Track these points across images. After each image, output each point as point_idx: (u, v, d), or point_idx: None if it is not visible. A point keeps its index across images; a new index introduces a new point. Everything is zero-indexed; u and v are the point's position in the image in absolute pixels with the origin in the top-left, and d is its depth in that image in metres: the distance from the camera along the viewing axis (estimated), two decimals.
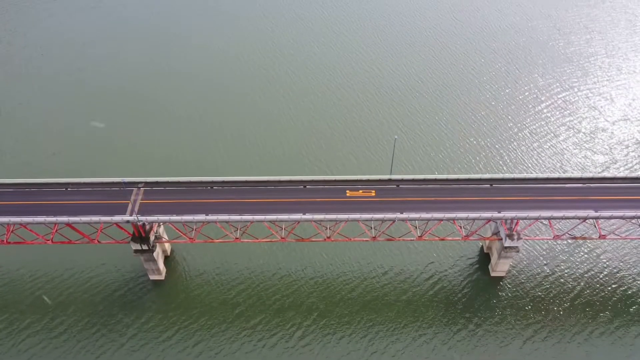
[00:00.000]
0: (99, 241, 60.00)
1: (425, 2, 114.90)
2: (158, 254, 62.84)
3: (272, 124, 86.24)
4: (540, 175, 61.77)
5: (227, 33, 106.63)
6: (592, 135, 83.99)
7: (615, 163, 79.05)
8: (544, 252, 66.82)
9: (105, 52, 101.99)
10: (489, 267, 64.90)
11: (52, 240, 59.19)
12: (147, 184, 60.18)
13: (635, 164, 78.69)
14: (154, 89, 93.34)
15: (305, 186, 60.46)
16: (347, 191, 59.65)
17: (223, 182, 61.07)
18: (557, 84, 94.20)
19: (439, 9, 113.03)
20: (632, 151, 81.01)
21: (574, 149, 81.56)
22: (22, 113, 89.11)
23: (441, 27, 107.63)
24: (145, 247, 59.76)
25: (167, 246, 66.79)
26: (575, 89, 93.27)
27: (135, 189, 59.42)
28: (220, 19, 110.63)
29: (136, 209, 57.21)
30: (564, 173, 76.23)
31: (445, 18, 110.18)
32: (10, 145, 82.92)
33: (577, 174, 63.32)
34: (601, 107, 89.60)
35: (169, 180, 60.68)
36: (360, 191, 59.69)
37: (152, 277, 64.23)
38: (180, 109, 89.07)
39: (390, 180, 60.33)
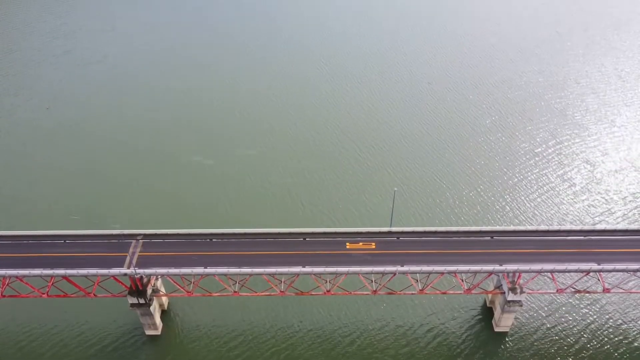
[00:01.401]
0: (95, 295, 58.85)
1: (423, 58, 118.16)
2: (155, 308, 61.55)
3: (272, 175, 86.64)
4: (541, 228, 61.61)
5: (226, 86, 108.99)
6: (588, 186, 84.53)
7: (612, 214, 79.19)
8: (547, 306, 65.75)
9: (107, 103, 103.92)
10: (493, 321, 63.64)
11: (47, 294, 58.07)
12: (145, 235, 59.77)
13: (633, 215, 78.81)
14: (154, 140, 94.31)
15: (304, 238, 60.08)
16: (347, 243, 59.23)
17: (222, 234, 60.69)
18: (552, 137, 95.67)
19: (436, 64, 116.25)
20: (629, 202, 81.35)
21: (572, 201, 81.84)
22: (23, 163, 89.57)
23: (438, 82, 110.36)
24: (142, 301, 58.60)
25: (165, 300, 65.52)
26: (570, 142, 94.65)
27: (134, 242, 58.96)
28: (220, 73, 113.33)
29: (134, 261, 56.55)
30: (564, 225, 76.07)
31: (442, 73, 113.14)
32: (9, 195, 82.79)
33: (577, 226, 63.18)
34: (596, 159, 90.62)
35: (168, 233, 60.31)
36: (361, 243, 59.28)
37: (148, 332, 62.60)
38: (180, 160, 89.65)
39: (390, 232, 60.08)
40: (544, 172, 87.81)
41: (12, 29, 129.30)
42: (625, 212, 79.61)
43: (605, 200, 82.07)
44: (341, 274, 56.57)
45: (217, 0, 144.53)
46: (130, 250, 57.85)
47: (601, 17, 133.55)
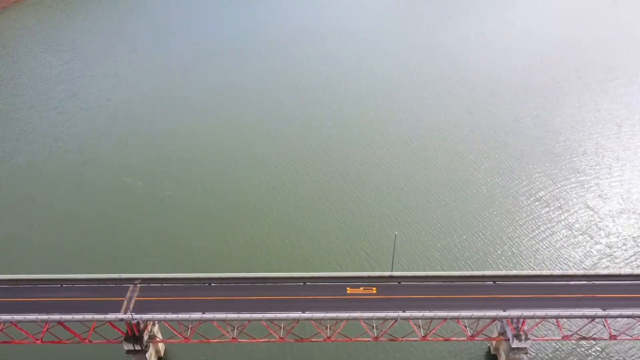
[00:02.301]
0: (90, 341, 57.52)
1: (421, 103, 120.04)
2: (151, 355, 60.06)
3: (271, 218, 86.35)
4: (544, 272, 61.00)
5: (226, 129, 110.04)
6: (588, 230, 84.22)
7: (614, 259, 78.55)
8: (553, 353, 64.22)
9: (109, 147, 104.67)
10: None
11: (41, 340, 56.73)
12: (143, 280, 58.98)
13: (635, 260, 78.18)
14: (155, 183, 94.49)
15: (305, 283, 59.32)
16: (348, 288, 58.47)
17: (221, 278, 59.96)
18: (550, 180, 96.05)
19: (434, 110, 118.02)
20: (630, 246, 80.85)
21: (572, 244, 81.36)
22: (22, 205, 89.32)
23: (437, 127, 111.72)
24: (138, 347, 57.26)
25: (161, 346, 63.97)
26: (569, 185, 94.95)
27: (131, 286, 58.11)
28: (220, 116, 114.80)
29: (131, 306, 55.56)
30: (567, 269, 75.35)
31: (440, 118, 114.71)
32: (7, 237, 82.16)
33: (580, 271, 62.72)
34: (595, 203, 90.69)
35: (166, 277, 59.60)
36: (361, 288, 58.51)
37: None
38: (178, 204, 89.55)
39: (391, 277, 59.41)
40: (543, 215, 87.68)
41: (18, 75, 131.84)
42: (627, 256, 79.03)
43: (606, 244, 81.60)
44: (342, 319, 55.53)
45: (218, 47, 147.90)
46: (128, 294, 56.96)
47: (594, 65, 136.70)
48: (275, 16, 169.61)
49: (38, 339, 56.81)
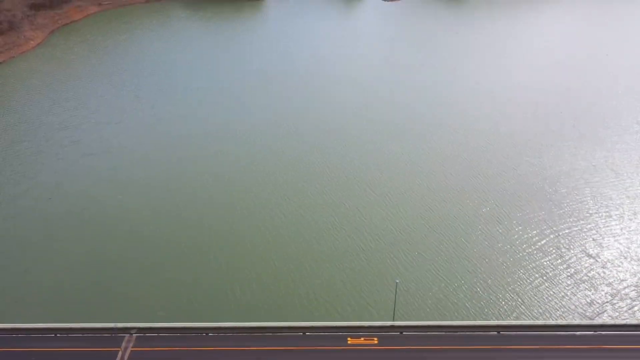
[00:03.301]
0: None
1: (420, 151, 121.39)
2: None
3: (271, 265, 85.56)
4: (549, 322, 60.27)
5: (226, 178, 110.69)
6: (589, 278, 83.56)
7: (616, 308, 77.47)
8: None
9: (109, 194, 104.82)
10: None
11: None
12: (139, 329, 57.99)
13: (637, 310, 77.12)
14: (154, 231, 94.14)
15: (304, 333, 58.38)
16: (349, 338, 57.57)
17: (218, 328, 59.04)
18: (549, 228, 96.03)
19: (432, 157, 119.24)
20: (633, 295, 79.93)
21: (573, 292, 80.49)
22: (18, 252, 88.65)
23: (435, 174, 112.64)
24: None
25: None
26: (568, 233, 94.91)
27: (127, 336, 57.09)
28: (221, 166, 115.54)
29: (126, 357, 54.39)
30: (572, 319, 74.08)
31: (438, 165, 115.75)
32: (0, 283, 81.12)
33: (586, 321, 61.82)
34: (595, 250, 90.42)
35: (163, 326, 58.68)
36: (362, 338, 57.62)
37: None
38: (178, 248, 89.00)
39: (393, 326, 58.60)
40: (544, 263, 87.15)
41: (23, 121, 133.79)
42: (631, 305, 78.02)
43: (609, 292, 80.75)
44: None
45: (220, 95, 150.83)
46: (123, 345, 55.95)
47: (589, 113, 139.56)
48: (276, 65, 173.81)
49: None
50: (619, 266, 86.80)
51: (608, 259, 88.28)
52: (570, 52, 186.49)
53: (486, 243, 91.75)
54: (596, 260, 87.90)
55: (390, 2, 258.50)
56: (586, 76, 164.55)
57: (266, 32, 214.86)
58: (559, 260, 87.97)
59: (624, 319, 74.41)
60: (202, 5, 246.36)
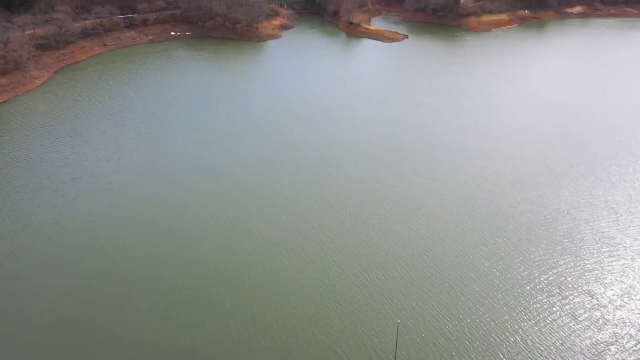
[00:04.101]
0: None
1: (418, 190, 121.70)
2: None
3: (267, 306, 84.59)
4: None
5: (225, 218, 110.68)
6: (592, 320, 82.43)
7: (623, 350, 76.19)
8: None
9: (108, 232, 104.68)
10: None
11: None
12: None
13: None
14: (154, 268, 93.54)
15: None
16: None
17: None
18: (549, 267, 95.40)
19: (430, 196, 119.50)
20: (638, 339, 78.67)
21: (578, 336, 79.22)
22: (13, 288, 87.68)
23: (433, 212, 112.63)
24: None
25: None
26: (569, 272, 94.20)
27: None
28: (220, 206, 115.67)
29: None
30: None
31: (436, 204, 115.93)
32: None
33: None
34: (596, 289, 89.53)
35: None
36: None
37: None
38: (174, 291, 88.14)
39: None
40: (545, 302, 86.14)
41: (24, 158, 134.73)
42: (636, 346, 76.70)
43: (612, 333, 79.58)
44: None
45: (220, 134, 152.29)
46: None
47: (587, 152, 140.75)
48: (275, 104, 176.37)
49: None
50: (623, 306, 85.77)
51: (611, 299, 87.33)
52: (567, 92, 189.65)
53: (486, 282, 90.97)
54: (599, 300, 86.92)
55: (389, 43, 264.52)
56: (583, 116, 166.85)
57: (266, 72, 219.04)
58: (561, 300, 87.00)
59: None
60: (204, 46, 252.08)
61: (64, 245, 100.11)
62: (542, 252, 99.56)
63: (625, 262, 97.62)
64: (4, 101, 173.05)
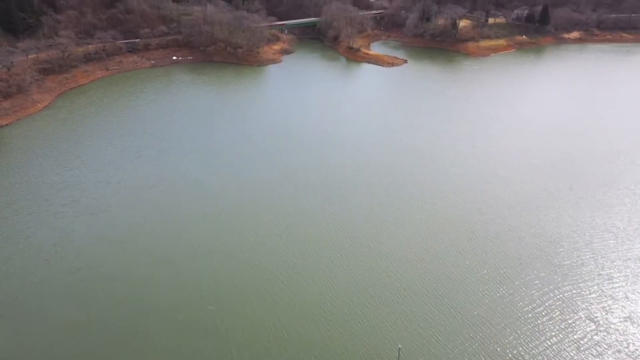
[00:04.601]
0: None
1: (418, 214, 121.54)
2: None
3: (267, 330, 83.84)
4: None
5: (224, 236, 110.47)
6: (595, 344, 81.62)
7: None
8: None
9: (107, 252, 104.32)
10: None
11: None
12: None
13: None
14: (153, 294, 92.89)
15: None
16: None
17: None
18: (550, 291, 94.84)
19: (429, 220, 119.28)
20: None
21: (580, 359, 78.55)
22: (9, 311, 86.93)
23: (432, 236, 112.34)
24: None
25: None
26: (570, 296, 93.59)
27: None
28: (218, 230, 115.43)
29: None
30: None
31: (435, 228, 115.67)
32: None
33: None
34: (598, 314, 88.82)
35: None
36: None
37: None
38: (174, 316, 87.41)
39: None
40: (547, 328, 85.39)
41: (24, 180, 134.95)
42: None
43: (615, 358, 78.62)
44: None
45: (220, 159, 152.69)
46: None
47: (586, 176, 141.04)
48: (274, 128, 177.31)
49: None
50: (625, 331, 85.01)
51: (613, 323, 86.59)
52: (564, 116, 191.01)
53: (487, 306, 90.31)
54: (601, 325, 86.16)
55: (389, 67, 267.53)
56: (581, 140, 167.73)
57: (266, 96, 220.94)
58: (563, 324, 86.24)
59: None
60: (205, 70, 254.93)
61: (62, 268, 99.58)
62: (542, 276, 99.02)
63: (627, 286, 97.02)
64: (6, 124, 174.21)
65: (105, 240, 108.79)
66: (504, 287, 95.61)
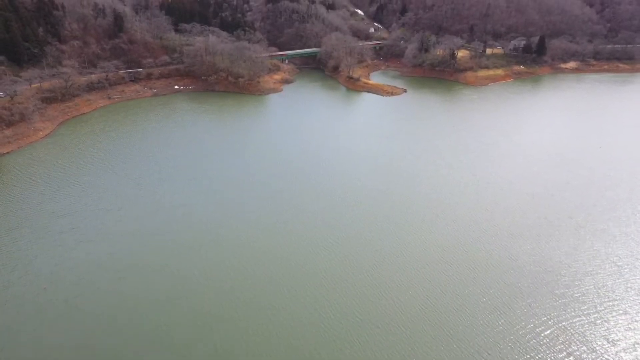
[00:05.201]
0: None
1: (418, 244, 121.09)
2: None
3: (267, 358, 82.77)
4: None
5: (222, 274, 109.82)
6: None
7: None
8: None
9: (105, 280, 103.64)
10: None
11: None
12: None
13: None
14: (151, 322, 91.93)
15: None
16: None
17: None
18: (552, 320, 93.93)
19: (429, 247, 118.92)
20: None
21: None
22: (5, 341, 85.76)
23: (432, 265, 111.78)
24: None
25: None
26: (572, 325, 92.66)
27: None
28: (216, 261, 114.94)
29: None
30: None
31: (437, 257, 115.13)
32: None
33: None
34: (602, 345, 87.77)
35: None
36: None
37: None
38: (174, 342, 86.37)
39: None
40: (549, 357, 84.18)
41: (25, 207, 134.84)
42: None
43: None
44: None
45: (220, 188, 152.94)
46: None
47: (586, 205, 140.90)
48: (274, 157, 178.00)
49: None
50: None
51: (616, 354, 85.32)
52: (562, 145, 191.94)
53: (489, 335, 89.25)
54: (603, 356, 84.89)
55: (388, 96, 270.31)
56: (580, 168, 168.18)
57: (266, 125, 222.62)
58: (565, 355, 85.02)
59: None
60: (206, 99, 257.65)
61: (59, 297, 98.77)
62: (544, 306, 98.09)
63: (630, 317, 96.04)
64: (7, 152, 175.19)
65: (104, 269, 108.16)
66: (506, 317, 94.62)
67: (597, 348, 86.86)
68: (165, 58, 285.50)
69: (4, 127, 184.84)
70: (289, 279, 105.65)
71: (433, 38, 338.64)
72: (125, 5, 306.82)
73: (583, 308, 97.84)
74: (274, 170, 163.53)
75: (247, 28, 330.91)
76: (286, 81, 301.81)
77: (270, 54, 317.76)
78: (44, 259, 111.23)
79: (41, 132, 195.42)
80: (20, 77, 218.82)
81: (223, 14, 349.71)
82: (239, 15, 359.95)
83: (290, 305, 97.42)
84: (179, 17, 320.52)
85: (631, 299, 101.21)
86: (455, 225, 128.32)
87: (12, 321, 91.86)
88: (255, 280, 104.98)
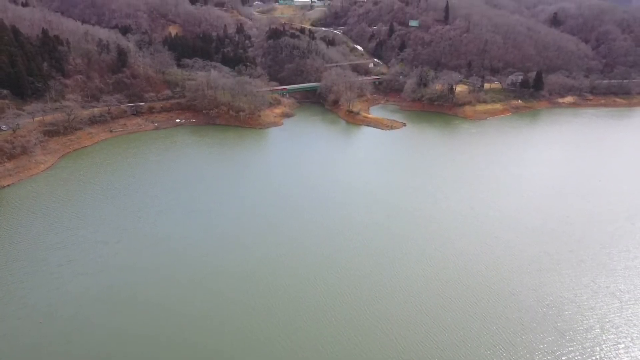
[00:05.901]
0: None
1: (418, 279, 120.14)
2: None
3: None
4: None
5: (223, 309, 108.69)
6: None
7: None
8: None
9: (102, 313, 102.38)
10: None
11: None
12: None
13: None
14: (147, 354, 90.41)
15: None
16: None
17: None
18: (554, 356, 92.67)
19: (429, 282, 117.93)
20: None
21: None
22: None
23: (434, 299, 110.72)
24: None
25: None
26: None
27: None
28: (216, 296, 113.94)
29: None
30: None
31: (438, 291, 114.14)
32: None
33: None
34: None
35: None
36: None
37: None
38: None
39: None
40: None
41: (23, 240, 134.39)
42: None
43: None
44: None
45: (221, 220, 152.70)
46: None
47: (587, 239, 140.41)
48: (274, 191, 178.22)
49: None
50: None
51: None
52: (562, 179, 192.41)
53: None
54: None
55: (387, 130, 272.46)
56: (579, 202, 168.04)
57: (267, 158, 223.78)
58: None
59: None
60: (207, 132, 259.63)
61: (55, 330, 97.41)
62: (547, 341, 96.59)
63: (633, 352, 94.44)
64: (8, 185, 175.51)
65: (101, 302, 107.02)
66: (508, 353, 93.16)
67: None
68: (167, 92, 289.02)
69: (6, 160, 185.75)
70: (287, 313, 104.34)
71: (432, 73, 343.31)
72: (129, 40, 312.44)
73: (587, 344, 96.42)
74: (274, 204, 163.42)
75: (248, 63, 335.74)
76: (287, 115, 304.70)
77: (271, 89, 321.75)
78: (40, 292, 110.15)
79: (42, 165, 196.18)
80: (24, 110, 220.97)
81: (225, 50, 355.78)
82: (241, 50, 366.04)
83: (288, 339, 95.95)
84: (182, 53, 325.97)
85: (634, 334, 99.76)
86: (455, 259, 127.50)
87: (6, 357, 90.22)
88: (254, 314, 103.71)
